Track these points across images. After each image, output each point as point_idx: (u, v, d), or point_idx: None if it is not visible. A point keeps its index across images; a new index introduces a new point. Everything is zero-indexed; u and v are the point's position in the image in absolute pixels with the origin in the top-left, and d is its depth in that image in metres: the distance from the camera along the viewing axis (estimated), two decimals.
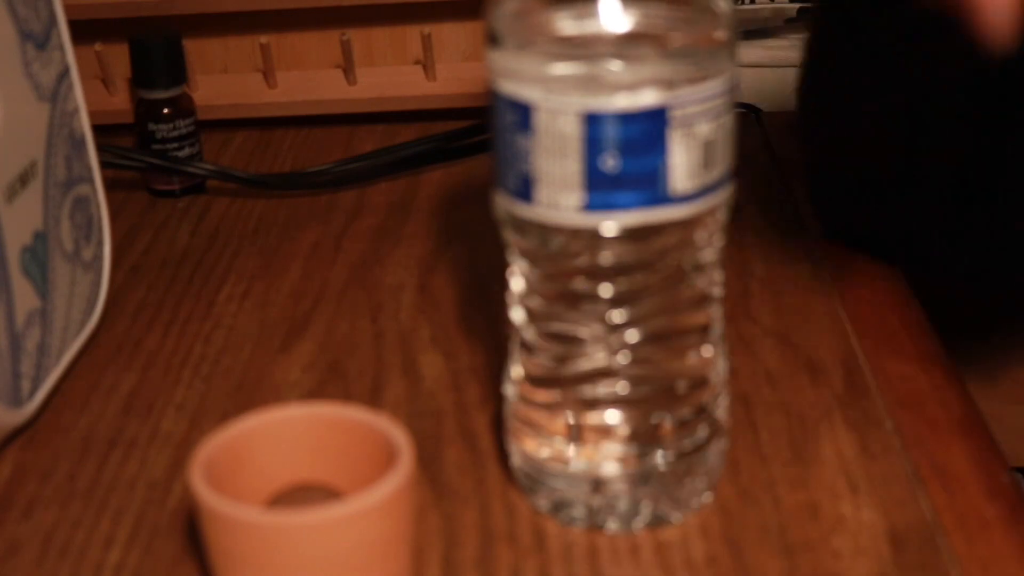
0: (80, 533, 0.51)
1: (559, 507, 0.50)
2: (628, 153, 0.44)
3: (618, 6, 0.45)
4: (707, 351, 0.49)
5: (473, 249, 0.71)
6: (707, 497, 0.51)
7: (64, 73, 0.61)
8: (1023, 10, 0.43)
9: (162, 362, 0.62)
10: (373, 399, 0.59)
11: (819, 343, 0.61)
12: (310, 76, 0.87)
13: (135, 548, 0.50)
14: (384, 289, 0.68)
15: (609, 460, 0.49)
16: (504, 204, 0.47)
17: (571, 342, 0.48)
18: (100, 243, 0.64)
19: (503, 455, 0.53)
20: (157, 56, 0.78)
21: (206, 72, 0.87)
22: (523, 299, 0.49)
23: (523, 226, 0.47)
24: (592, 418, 0.49)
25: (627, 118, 0.44)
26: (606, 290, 0.47)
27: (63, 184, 0.60)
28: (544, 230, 0.46)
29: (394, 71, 0.87)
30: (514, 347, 0.50)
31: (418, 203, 0.77)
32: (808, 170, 0.73)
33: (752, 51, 0.95)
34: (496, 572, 0.48)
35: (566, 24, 0.45)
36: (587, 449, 0.49)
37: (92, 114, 0.64)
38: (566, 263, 0.47)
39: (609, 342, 0.48)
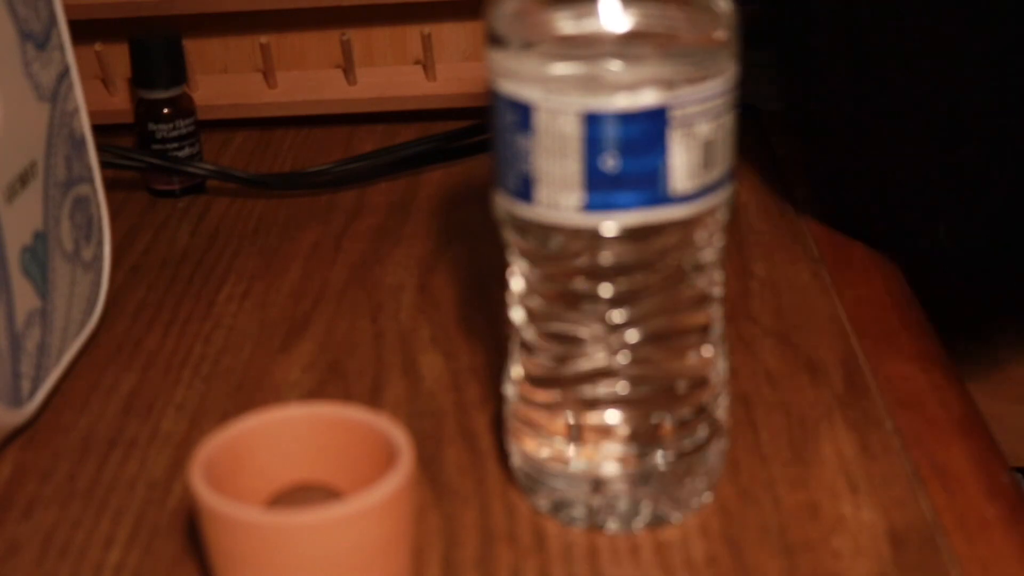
0: (80, 533, 0.51)
1: (559, 507, 0.50)
2: (628, 153, 0.44)
3: (618, 6, 0.45)
4: (707, 351, 0.49)
5: (473, 249, 0.71)
6: (707, 497, 0.51)
7: (64, 73, 0.61)
8: None
9: (162, 362, 0.62)
10: (373, 399, 0.59)
11: (819, 343, 0.61)
12: (310, 76, 0.87)
13: (135, 548, 0.50)
14: (384, 289, 0.68)
15: (609, 460, 0.49)
16: (504, 204, 0.47)
17: (571, 342, 0.48)
18: (100, 243, 0.64)
19: (503, 455, 0.53)
20: (157, 56, 0.78)
21: (206, 72, 0.87)
22: (523, 299, 0.49)
23: (523, 226, 0.47)
24: (592, 418, 0.49)
25: (627, 118, 0.44)
26: (606, 290, 0.47)
27: (63, 184, 0.60)
28: (544, 230, 0.46)
29: (394, 71, 0.87)
30: (514, 347, 0.50)
31: (418, 203, 0.77)
32: (807, 158, 0.73)
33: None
34: (496, 572, 0.48)
35: (566, 24, 0.45)
36: (587, 449, 0.49)
37: (92, 114, 0.64)
38: (566, 263, 0.47)
39: (609, 342, 0.48)
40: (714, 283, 0.49)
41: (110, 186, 0.67)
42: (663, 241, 0.46)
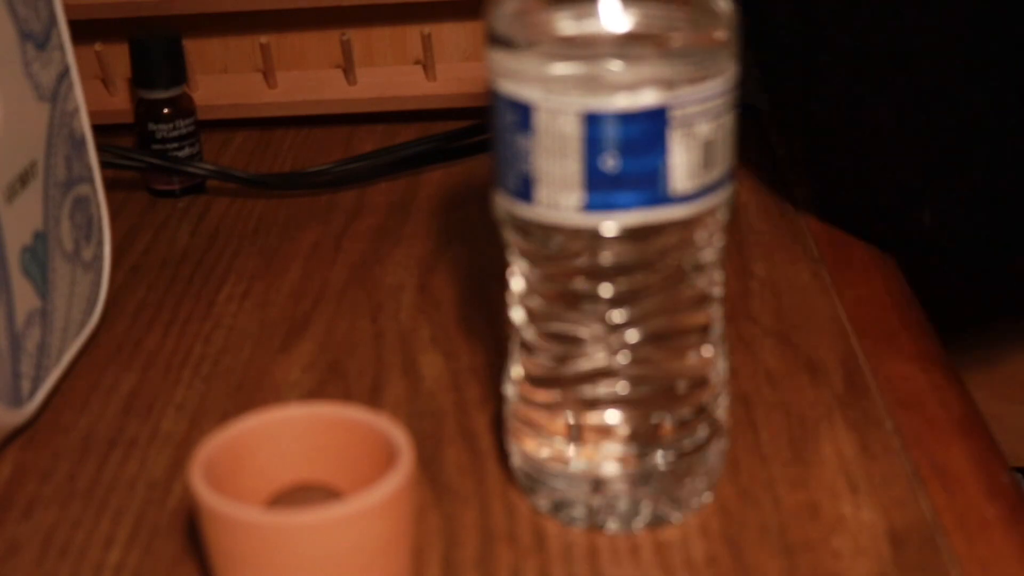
0: (80, 533, 0.51)
1: (559, 507, 0.50)
2: (628, 153, 0.44)
3: (618, 6, 0.45)
4: (707, 351, 0.49)
5: (473, 249, 0.71)
6: (707, 497, 0.51)
7: (64, 73, 0.61)
8: None
9: (162, 362, 0.62)
10: (373, 399, 0.59)
11: (819, 343, 0.61)
12: (310, 76, 0.87)
13: (135, 548, 0.50)
14: (384, 289, 0.68)
15: (609, 460, 0.49)
16: (504, 204, 0.47)
17: (571, 342, 0.48)
18: (100, 243, 0.64)
19: (503, 455, 0.53)
20: (157, 56, 0.78)
21: (206, 72, 0.87)
22: (523, 299, 0.49)
23: (523, 226, 0.47)
24: (592, 418, 0.49)
25: (627, 118, 0.44)
26: (606, 290, 0.47)
27: (63, 184, 0.60)
28: (544, 230, 0.46)
29: (394, 71, 0.87)
30: (514, 347, 0.50)
31: (418, 203, 0.77)
32: (788, 151, 0.73)
33: None
34: (496, 572, 0.48)
35: (566, 24, 0.45)
36: (587, 449, 0.49)
37: (92, 114, 0.64)
38: (566, 263, 0.47)
39: (609, 342, 0.48)
40: (714, 283, 0.49)
41: (110, 186, 0.67)
42: (663, 241, 0.46)
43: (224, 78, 0.87)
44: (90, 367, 0.62)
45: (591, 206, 0.45)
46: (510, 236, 0.48)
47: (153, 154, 0.78)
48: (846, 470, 0.53)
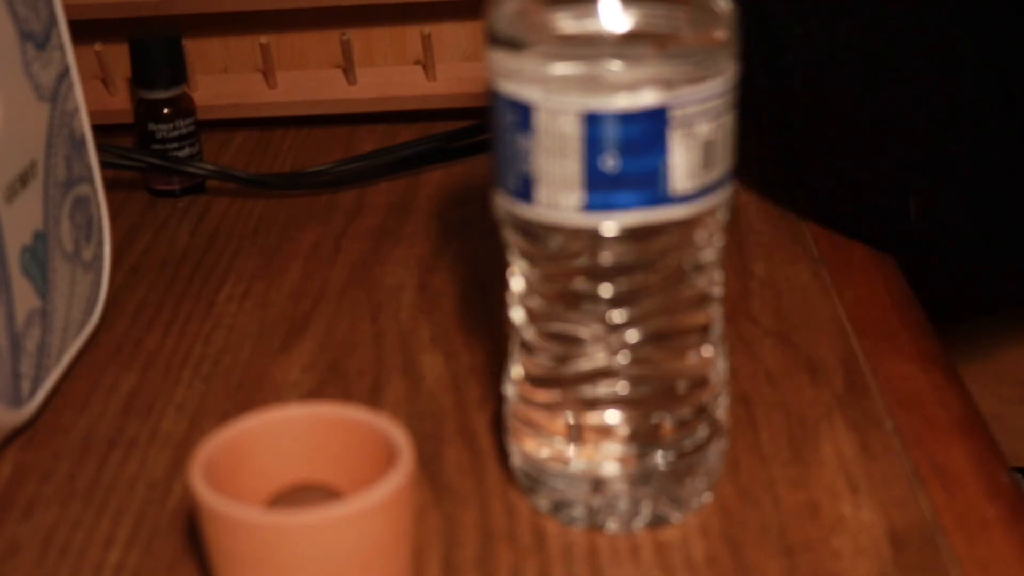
0: (80, 533, 0.51)
1: (559, 507, 0.50)
2: (628, 153, 0.44)
3: (618, 6, 0.45)
4: (707, 351, 0.49)
5: (473, 249, 0.71)
6: (707, 497, 0.51)
7: (64, 73, 0.61)
8: None
9: (162, 362, 0.62)
10: (373, 399, 0.59)
11: (819, 343, 0.61)
12: (310, 76, 0.87)
13: (135, 548, 0.50)
14: (384, 289, 0.68)
15: (609, 460, 0.49)
16: (504, 204, 0.47)
17: (571, 342, 0.48)
18: (100, 243, 0.64)
19: (503, 455, 0.53)
20: (157, 56, 0.78)
21: (206, 72, 0.87)
22: (523, 299, 0.49)
23: (523, 226, 0.47)
24: (592, 418, 0.49)
25: (627, 118, 0.44)
26: (606, 290, 0.47)
27: (63, 184, 0.60)
28: (544, 230, 0.46)
29: (394, 71, 0.87)
30: (514, 347, 0.50)
31: (418, 203, 0.77)
32: (777, 152, 0.73)
33: None
34: (496, 572, 0.48)
35: (566, 24, 0.45)
36: (587, 449, 0.49)
37: (92, 114, 0.64)
38: (566, 263, 0.47)
39: (609, 342, 0.48)
40: (714, 283, 0.49)
41: (110, 186, 0.67)
42: (663, 241, 0.46)
43: (224, 78, 0.88)
44: (90, 367, 0.62)
45: (591, 206, 0.45)
46: (510, 236, 0.48)
47: (153, 154, 0.78)
48: (846, 470, 0.53)
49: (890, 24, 0.63)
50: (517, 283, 0.49)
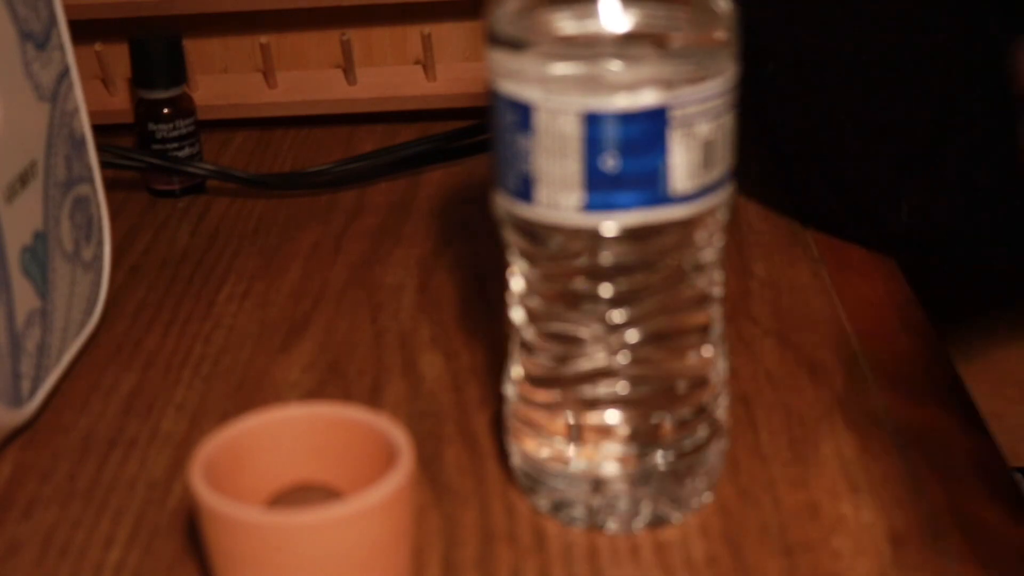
0: (80, 533, 0.51)
1: (559, 507, 0.50)
2: (628, 153, 0.44)
3: (618, 6, 0.45)
4: (707, 351, 0.49)
5: (473, 249, 0.71)
6: (707, 497, 0.51)
7: (64, 73, 0.61)
8: None
9: (162, 362, 0.62)
10: (373, 399, 0.59)
11: (819, 343, 0.61)
12: (310, 76, 0.87)
13: (135, 548, 0.50)
14: (384, 289, 0.68)
15: (609, 460, 0.49)
16: (504, 204, 0.47)
17: (571, 342, 0.48)
18: (100, 243, 0.64)
19: (503, 455, 0.53)
20: (157, 56, 0.78)
21: (206, 72, 0.87)
22: (523, 299, 0.49)
23: (523, 226, 0.47)
24: (592, 418, 0.49)
25: (627, 118, 0.44)
26: (606, 290, 0.47)
27: (63, 184, 0.60)
28: (544, 230, 0.46)
29: (394, 71, 0.87)
30: (514, 347, 0.50)
31: (418, 203, 0.77)
32: (784, 160, 0.73)
33: None
34: (496, 572, 0.48)
35: (566, 24, 0.45)
36: (587, 449, 0.49)
37: (92, 114, 0.64)
38: (566, 263, 0.47)
39: (609, 342, 0.48)
40: (714, 283, 0.49)
41: (110, 186, 0.67)
42: (663, 241, 0.46)
43: (224, 78, 0.87)
44: (90, 367, 0.62)
45: (591, 206, 0.45)
46: (510, 236, 0.48)
47: (153, 154, 0.78)
48: (846, 470, 0.53)
49: (879, 25, 0.63)
50: (517, 283, 0.49)
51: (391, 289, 0.68)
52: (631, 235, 0.46)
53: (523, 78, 0.45)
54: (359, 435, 0.47)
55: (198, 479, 0.44)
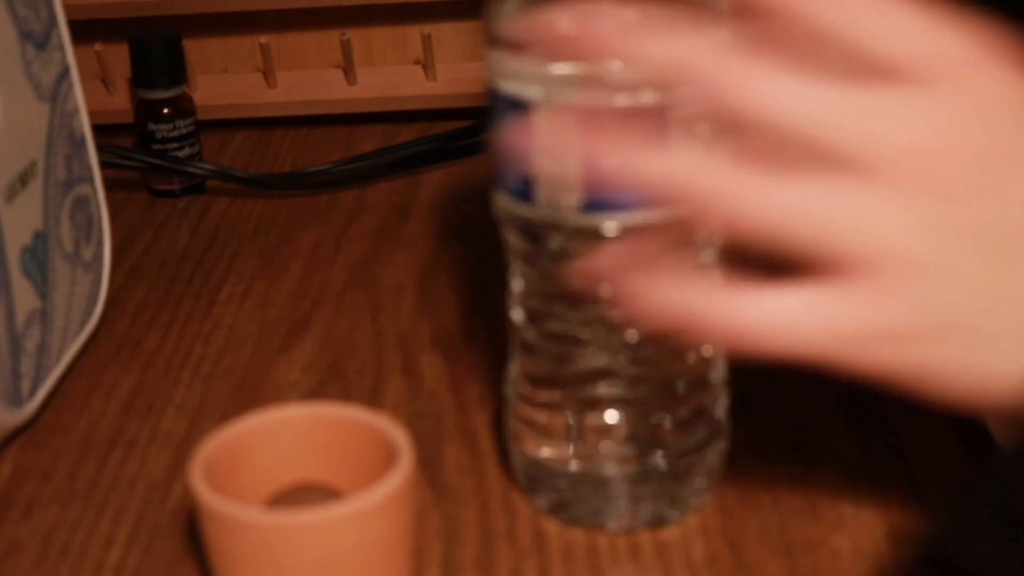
0: (80, 533, 0.51)
1: (559, 507, 0.50)
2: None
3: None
4: (707, 351, 0.49)
5: (473, 249, 0.71)
6: (707, 497, 0.51)
7: (64, 73, 0.61)
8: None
9: (162, 362, 0.62)
10: (373, 399, 0.59)
11: None
12: (310, 76, 0.87)
13: (135, 548, 0.50)
14: (384, 289, 0.68)
15: (609, 460, 0.49)
16: (504, 204, 0.47)
17: (571, 342, 0.48)
18: (100, 243, 0.64)
19: (503, 455, 0.53)
20: (157, 56, 0.78)
21: (206, 72, 0.87)
22: (523, 299, 0.49)
23: (523, 226, 0.47)
24: (592, 418, 0.49)
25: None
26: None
27: (63, 184, 0.60)
28: (544, 230, 0.46)
29: (394, 71, 0.87)
30: (514, 347, 0.50)
31: (418, 203, 0.77)
32: None
33: None
34: (496, 572, 0.48)
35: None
36: (587, 449, 0.49)
37: (92, 114, 0.64)
38: (566, 263, 0.47)
39: (609, 342, 0.48)
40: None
41: (110, 186, 0.67)
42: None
43: (224, 78, 0.87)
44: (90, 367, 0.62)
45: (591, 206, 0.45)
46: (510, 236, 0.48)
47: (153, 154, 0.78)
48: (846, 470, 0.52)
49: None
50: (517, 283, 0.49)
51: (391, 289, 0.68)
52: (631, 235, 0.46)
53: (523, 78, 0.45)
54: (359, 435, 0.47)
55: (198, 479, 0.44)
